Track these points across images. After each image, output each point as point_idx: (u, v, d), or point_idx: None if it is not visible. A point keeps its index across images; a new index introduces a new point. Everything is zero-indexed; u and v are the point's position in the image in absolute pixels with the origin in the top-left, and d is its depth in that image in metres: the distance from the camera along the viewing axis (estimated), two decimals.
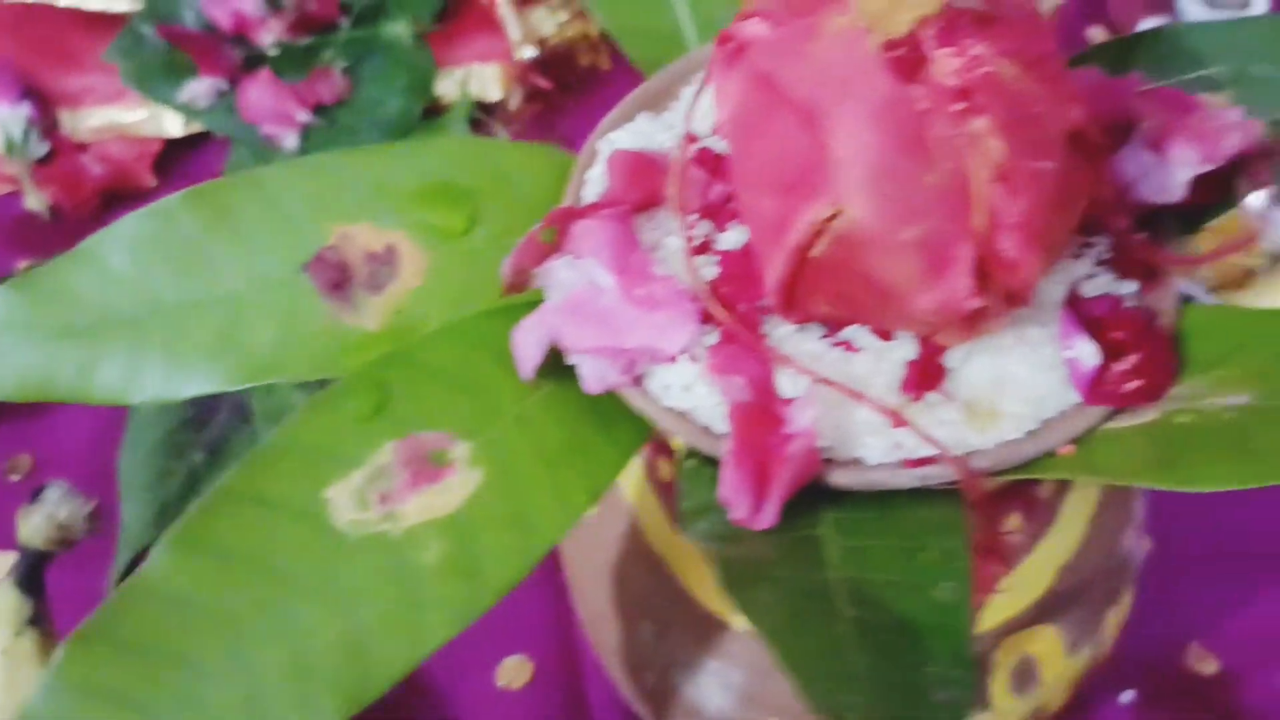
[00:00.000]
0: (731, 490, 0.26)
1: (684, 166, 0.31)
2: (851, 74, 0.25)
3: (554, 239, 0.31)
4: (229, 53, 0.64)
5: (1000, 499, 0.34)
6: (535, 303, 0.30)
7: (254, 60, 0.64)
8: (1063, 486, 0.36)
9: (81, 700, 0.25)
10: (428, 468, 0.28)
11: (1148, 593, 0.49)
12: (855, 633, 0.23)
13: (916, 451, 0.27)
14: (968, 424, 0.28)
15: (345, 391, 0.28)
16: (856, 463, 0.27)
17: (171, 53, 0.64)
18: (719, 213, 0.31)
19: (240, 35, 0.65)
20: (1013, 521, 0.35)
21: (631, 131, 0.33)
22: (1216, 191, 0.31)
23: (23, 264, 0.62)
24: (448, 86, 0.66)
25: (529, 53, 0.65)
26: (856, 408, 0.28)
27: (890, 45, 0.25)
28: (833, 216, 0.26)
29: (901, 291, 0.26)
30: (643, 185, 0.31)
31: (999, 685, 0.35)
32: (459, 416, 0.29)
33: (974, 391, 0.28)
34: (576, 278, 0.30)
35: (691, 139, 0.33)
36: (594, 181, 0.32)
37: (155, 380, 0.31)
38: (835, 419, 0.28)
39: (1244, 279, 0.59)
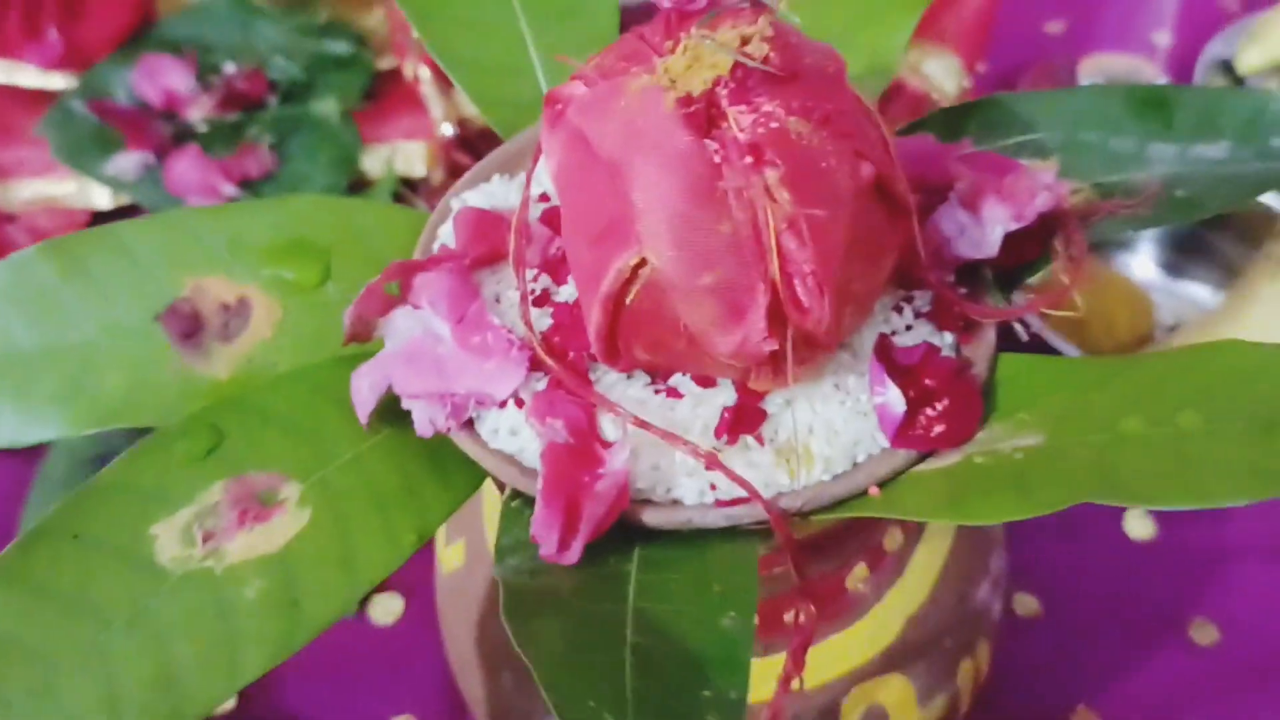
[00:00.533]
0: (541, 527, 0.27)
1: (522, 222, 0.32)
2: (651, 129, 0.26)
3: (398, 291, 0.32)
4: (158, 128, 0.66)
5: (838, 548, 0.34)
6: (376, 352, 0.31)
7: (182, 135, 0.66)
8: (911, 539, 0.36)
9: None
10: (256, 507, 0.28)
11: (1038, 653, 0.50)
12: (634, 659, 0.24)
13: (730, 493, 0.28)
14: (780, 467, 0.28)
15: (178, 433, 0.29)
16: (673, 504, 0.28)
17: (101, 127, 0.66)
18: (558, 268, 0.32)
19: (170, 111, 0.67)
20: (859, 572, 0.35)
21: (484, 191, 0.35)
22: (1034, 248, 0.32)
23: None
24: (373, 163, 0.68)
25: (450, 131, 0.67)
26: (675, 451, 0.28)
27: (686, 101, 0.26)
28: (640, 264, 0.27)
29: (705, 336, 0.27)
30: (487, 240, 0.33)
31: None
32: (293, 459, 0.29)
33: (790, 436, 0.29)
34: (414, 326, 0.31)
35: (543, 198, 0.34)
36: (445, 237, 0.34)
37: (6, 425, 0.31)
38: (654, 461, 0.28)
39: (1139, 347, 0.60)
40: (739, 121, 0.26)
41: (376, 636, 0.50)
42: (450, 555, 0.41)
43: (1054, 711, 0.48)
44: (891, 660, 0.36)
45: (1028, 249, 0.32)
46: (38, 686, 0.26)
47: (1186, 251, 0.63)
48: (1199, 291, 0.63)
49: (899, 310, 0.31)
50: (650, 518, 0.28)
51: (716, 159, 0.26)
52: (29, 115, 0.67)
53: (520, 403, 0.29)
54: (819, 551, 0.34)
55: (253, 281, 0.33)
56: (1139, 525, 0.54)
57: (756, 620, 0.25)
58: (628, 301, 0.28)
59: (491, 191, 0.35)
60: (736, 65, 0.26)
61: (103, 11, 0.68)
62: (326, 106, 0.68)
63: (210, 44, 0.68)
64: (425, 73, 0.67)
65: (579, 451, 0.28)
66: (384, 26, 0.70)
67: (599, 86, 0.28)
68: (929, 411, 0.29)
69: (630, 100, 0.27)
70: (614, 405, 0.29)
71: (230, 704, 0.48)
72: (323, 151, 0.67)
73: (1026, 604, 0.51)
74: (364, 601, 0.51)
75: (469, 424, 0.30)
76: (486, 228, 0.33)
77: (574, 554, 0.27)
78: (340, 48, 0.69)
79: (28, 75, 0.68)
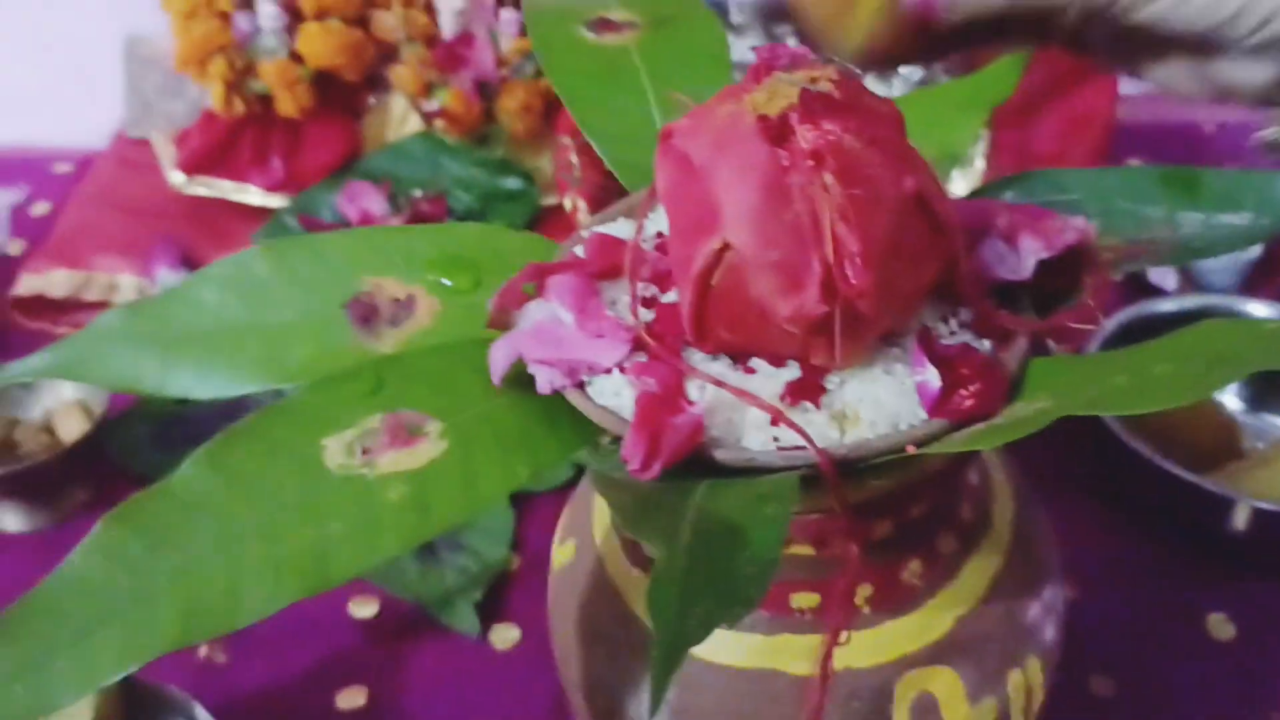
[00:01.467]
0: (630, 448, 0.33)
1: (637, 245, 0.39)
2: (735, 141, 0.34)
3: (534, 291, 0.39)
4: None
5: (894, 544, 0.39)
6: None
7: None
8: (964, 546, 0.41)
9: (102, 563, 0.32)
10: (404, 435, 0.35)
11: None
12: (691, 522, 0.29)
13: (790, 445, 0.34)
14: (832, 426, 0.34)
15: (350, 376, 0.37)
16: (740, 448, 0.34)
17: None
18: (664, 280, 0.39)
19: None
20: (914, 567, 0.40)
21: (610, 227, 0.42)
22: (1066, 280, 0.37)
23: None
24: None
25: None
26: (747, 412, 0.34)
27: (763, 120, 0.33)
28: (723, 249, 0.34)
29: (771, 304, 0.33)
30: (609, 258, 0.40)
31: (901, 715, 0.39)
32: (436, 405, 0.36)
33: (842, 405, 0.35)
34: (544, 313, 0.38)
35: (658, 235, 0.42)
36: (574, 255, 0.41)
37: (217, 382, 0.40)
38: (728, 417, 0.34)
39: (1227, 464, 0.63)
40: (804, 136, 0.33)
41: (496, 660, 0.55)
42: (562, 553, 0.47)
43: None
44: (941, 653, 0.39)
45: (1060, 280, 0.38)
46: (220, 545, 0.33)
47: (1266, 387, 0.67)
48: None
49: (944, 320, 0.37)
50: (720, 454, 0.33)
51: (785, 163, 0.33)
52: (248, 226, 0.80)
53: (624, 370, 0.36)
54: (877, 547, 0.39)
55: (419, 284, 0.41)
56: (1220, 627, 0.55)
57: (791, 516, 0.30)
58: (713, 282, 0.34)
59: (615, 227, 0.42)
60: (805, 95, 0.33)
61: (319, 146, 0.81)
62: None
63: (403, 175, 0.80)
64: (582, 204, 0.76)
65: (665, 399, 0.34)
66: (549, 167, 0.81)
67: (697, 115, 0.35)
68: (962, 391, 0.34)
69: (719, 121, 0.34)
70: (697, 370, 0.35)
71: (362, 701, 0.53)
72: None
73: (1102, 684, 0.53)
74: (486, 629, 0.56)
75: (580, 385, 0.36)
76: (609, 248, 0.40)
77: (654, 472, 0.33)
78: (512, 183, 0.80)
79: (252, 195, 0.81)
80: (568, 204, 0.78)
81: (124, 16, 0.89)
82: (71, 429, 0.63)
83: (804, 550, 0.39)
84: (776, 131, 0.33)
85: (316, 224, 0.77)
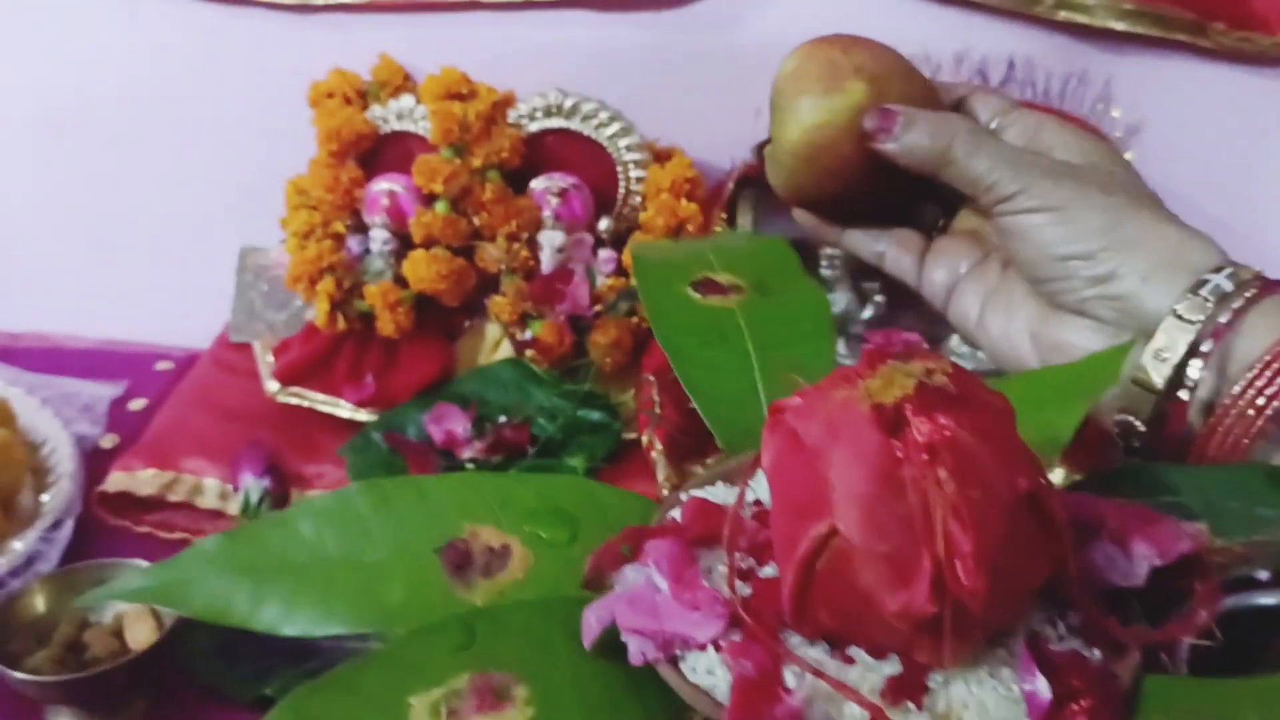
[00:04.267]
0: None
1: (736, 513, 0.39)
2: (849, 427, 0.34)
3: (630, 553, 0.39)
4: (435, 461, 0.78)
5: None
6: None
7: (453, 469, 0.78)
8: None
9: None
10: (492, 699, 0.35)
11: None
12: None
13: None
14: None
15: (443, 628, 0.36)
16: None
17: (391, 455, 0.78)
18: (762, 552, 0.39)
19: (447, 449, 0.79)
20: None
21: (708, 491, 0.42)
22: (1178, 585, 0.36)
23: None
24: None
25: (667, 488, 0.76)
26: (844, 705, 0.33)
27: (878, 409, 0.34)
28: (830, 534, 0.34)
29: (877, 596, 0.33)
30: (707, 525, 0.40)
31: None
32: (525, 664, 0.36)
33: (945, 707, 0.33)
34: (640, 579, 0.38)
35: (756, 503, 0.42)
36: (672, 519, 0.41)
37: (304, 618, 0.39)
38: (825, 711, 0.33)
39: None
40: (919, 428, 0.33)
41: None
42: None
43: None
44: None
45: (1172, 586, 0.37)
46: None
47: None
48: None
49: (1053, 624, 0.36)
50: None
51: (899, 454, 0.33)
52: (335, 438, 0.81)
53: (718, 647, 0.35)
54: None
55: (516, 534, 0.41)
56: None
57: None
58: (818, 566, 0.34)
59: (713, 492, 0.42)
60: (920, 387, 0.34)
61: (413, 366, 0.83)
62: (575, 462, 0.79)
63: (491, 400, 0.82)
64: (658, 443, 0.77)
65: (763, 687, 0.33)
66: (633, 402, 0.82)
67: (810, 396, 0.36)
68: (1074, 706, 0.33)
69: (833, 405, 0.35)
70: (796, 657, 0.34)
71: None
72: None
73: None
74: None
75: (673, 660, 0.36)
76: (707, 514, 0.40)
77: None
78: (595, 415, 0.81)
79: (342, 409, 0.83)
80: (645, 440, 0.79)
81: (240, 225, 0.94)
82: (140, 635, 0.63)
83: None
84: (891, 421, 0.34)
85: (402, 441, 0.78)
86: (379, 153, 0.87)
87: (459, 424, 0.80)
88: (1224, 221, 0.88)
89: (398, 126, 0.86)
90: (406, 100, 0.85)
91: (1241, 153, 0.83)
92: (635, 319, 0.82)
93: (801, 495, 0.35)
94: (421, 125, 0.85)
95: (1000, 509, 0.33)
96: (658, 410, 0.80)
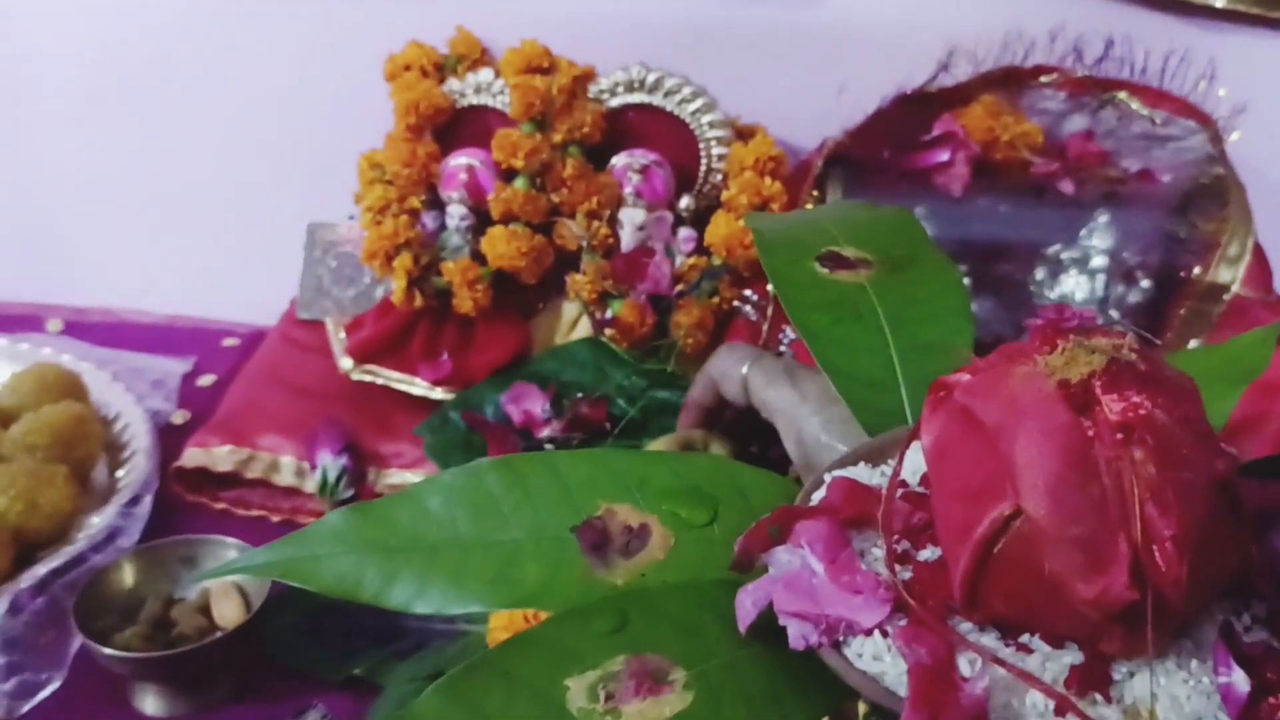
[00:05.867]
0: None
1: (892, 494, 0.37)
2: (1034, 405, 0.32)
3: (778, 534, 0.37)
4: (514, 441, 0.77)
5: None
6: (751, 579, 0.36)
7: (532, 449, 0.76)
8: None
9: None
10: (649, 682, 0.33)
11: None
12: None
13: None
14: None
15: (595, 610, 0.35)
16: None
17: (469, 435, 0.77)
18: (917, 535, 0.37)
19: (526, 428, 0.77)
20: None
21: (852, 472, 0.41)
22: None
23: None
24: None
25: None
26: (1026, 695, 0.32)
27: (1065, 385, 0.32)
28: (1013, 515, 0.32)
29: (1067, 582, 0.31)
30: (855, 505, 0.38)
31: None
32: (682, 650, 0.34)
33: (1134, 701, 0.32)
34: (794, 560, 0.36)
35: (903, 484, 0.40)
36: (816, 501, 0.39)
37: (438, 597, 0.38)
38: (1005, 700, 0.32)
39: None
40: (1110, 406, 0.31)
41: None
42: None
43: None
44: None
45: None
46: None
47: None
48: None
49: (1238, 614, 0.34)
50: None
51: (1089, 433, 0.31)
52: (410, 417, 0.80)
53: (885, 633, 0.34)
54: None
55: (654, 514, 0.39)
56: None
57: None
58: (996, 550, 0.32)
59: (857, 472, 0.41)
60: (1110, 363, 0.32)
61: (489, 345, 0.82)
62: (653, 443, 0.77)
63: (568, 379, 0.80)
64: None
65: (940, 675, 0.32)
66: None
67: (985, 374, 0.34)
68: (1271, 700, 0.31)
69: (1015, 383, 0.33)
70: (973, 644, 0.32)
71: None
72: None
73: None
74: None
75: (837, 645, 0.34)
76: (857, 496, 0.38)
77: None
78: (675, 396, 0.79)
79: (418, 387, 0.82)
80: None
81: (308, 201, 0.93)
82: (227, 613, 0.62)
83: None
84: (1080, 399, 0.32)
85: (480, 421, 0.77)
86: (456, 127, 0.85)
87: (537, 404, 0.78)
88: None
89: (475, 100, 0.84)
90: (485, 74, 0.84)
91: None
92: (717, 299, 0.81)
93: (975, 476, 0.33)
94: (500, 99, 0.83)
95: (1200, 492, 0.31)
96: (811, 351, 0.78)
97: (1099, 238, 0.80)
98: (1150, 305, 0.79)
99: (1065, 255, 0.81)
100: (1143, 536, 0.30)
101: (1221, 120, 0.75)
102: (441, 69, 0.86)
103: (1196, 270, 0.74)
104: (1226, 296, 0.75)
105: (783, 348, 0.80)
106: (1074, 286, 0.80)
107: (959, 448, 0.34)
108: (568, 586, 0.38)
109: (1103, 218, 0.80)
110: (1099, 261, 0.80)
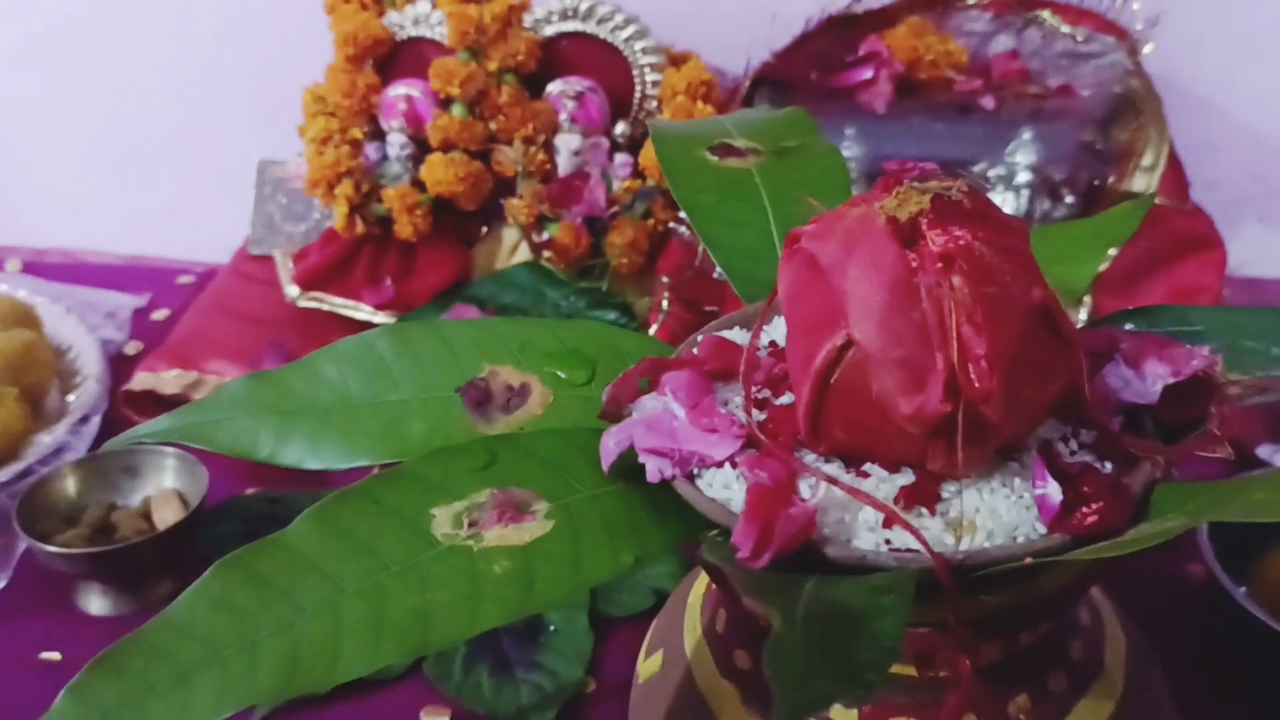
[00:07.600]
0: (741, 536, 0.32)
1: (753, 348, 0.39)
2: (865, 240, 0.34)
3: (647, 386, 0.39)
4: None
5: (1004, 674, 0.38)
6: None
7: None
8: (1075, 687, 0.39)
9: (209, 609, 0.32)
10: (512, 511, 0.35)
11: None
12: (807, 599, 0.28)
13: (901, 548, 0.33)
14: (947, 533, 0.33)
15: (464, 449, 0.37)
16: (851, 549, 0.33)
17: None
18: (778, 385, 0.39)
19: None
20: (1021, 701, 0.38)
21: (726, 334, 0.43)
22: (1192, 409, 0.37)
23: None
24: None
25: None
26: (859, 512, 0.34)
27: (893, 222, 0.34)
28: (846, 345, 0.34)
29: (892, 402, 0.33)
30: (723, 360, 0.40)
31: None
32: (546, 485, 0.36)
33: (958, 514, 0.34)
34: (657, 406, 0.38)
35: (771, 344, 0.42)
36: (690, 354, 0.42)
37: (328, 453, 0.40)
38: (839, 516, 0.34)
39: None
40: (934, 240, 0.34)
41: None
42: (648, 666, 0.45)
43: None
44: None
45: (1187, 409, 0.37)
46: (325, 600, 0.33)
47: None
48: None
49: (1065, 441, 0.36)
50: (831, 551, 0.33)
51: (914, 264, 0.33)
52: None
53: (734, 464, 0.36)
54: (984, 674, 0.37)
55: (535, 374, 0.42)
56: None
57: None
58: (833, 380, 0.34)
59: (731, 334, 0.43)
60: (936, 201, 0.34)
61: (431, 270, 0.84)
62: None
63: (507, 302, 0.82)
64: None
65: (777, 493, 0.34)
66: (646, 306, 0.82)
67: (826, 219, 0.36)
68: (1084, 509, 0.33)
69: (850, 223, 0.35)
70: (811, 468, 0.35)
71: None
72: None
73: None
74: None
75: (690, 477, 0.36)
76: (724, 351, 0.41)
77: (763, 561, 0.32)
78: (610, 315, 0.81)
79: (361, 312, 0.84)
80: (651, 335, 0.79)
81: (257, 140, 0.95)
82: (166, 517, 0.64)
83: (906, 670, 0.38)
84: (907, 234, 0.34)
85: None
86: (395, 58, 0.87)
87: None
88: (1248, 122, 0.87)
89: (414, 32, 0.86)
90: (423, 5, 0.85)
91: (1266, 47, 0.83)
92: (651, 221, 0.83)
93: (817, 313, 0.35)
94: (438, 30, 0.85)
95: (1014, 315, 0.33)
96: (665, 309, 0.81)
97: (1023, 154, 0.82)
98: (1074, 219, 0.81)
99: (991, 173, 0.83)
100: (959, 355, 0.33)
101: (1137, 33, 0.77)
102: (381, 1, 0.87)
103: (1111, 179, 0.76)
104: None
105: (717, 271, 0.82)
106: (1000, 203, 0.82)
107: (804, 289, 0.36)
108: (450, 439, 0.40)
109: (1026, 134, 0.82)
110: (1024, 178, 0.82)
